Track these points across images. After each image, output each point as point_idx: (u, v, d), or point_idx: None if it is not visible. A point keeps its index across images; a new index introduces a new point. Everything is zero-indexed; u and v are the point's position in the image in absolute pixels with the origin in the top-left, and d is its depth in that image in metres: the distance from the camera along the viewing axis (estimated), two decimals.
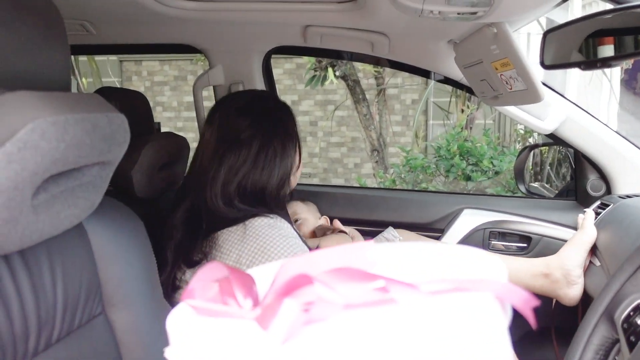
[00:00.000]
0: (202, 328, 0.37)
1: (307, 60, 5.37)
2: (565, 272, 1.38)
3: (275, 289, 0.37)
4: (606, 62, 0.84)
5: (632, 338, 0.58)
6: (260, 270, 0.50)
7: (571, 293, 1.38)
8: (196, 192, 1.13)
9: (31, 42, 0.57)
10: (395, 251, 0.54)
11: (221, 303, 0.41)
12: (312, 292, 0.36)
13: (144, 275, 0.81)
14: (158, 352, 0.82)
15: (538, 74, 1.09)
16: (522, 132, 5.10)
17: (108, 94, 1.25)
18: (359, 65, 5.30)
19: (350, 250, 0.44)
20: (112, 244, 0.76)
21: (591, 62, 0.87)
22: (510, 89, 1.16)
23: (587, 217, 1.44)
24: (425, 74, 1.70)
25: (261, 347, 0.33)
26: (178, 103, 7.29)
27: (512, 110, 1.56)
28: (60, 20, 0.62)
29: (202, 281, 0.43)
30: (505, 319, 0.40)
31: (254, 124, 1.14)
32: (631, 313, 0.59)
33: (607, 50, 0.84)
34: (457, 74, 1.54)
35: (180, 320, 0.41)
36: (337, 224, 1.50)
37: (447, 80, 1.64)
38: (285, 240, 1.03)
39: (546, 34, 1.02)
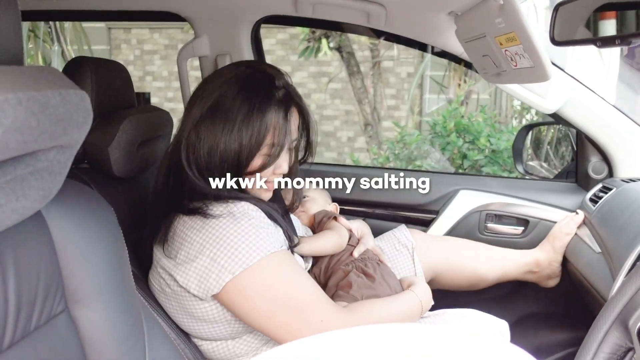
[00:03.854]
0: None
1: (301, 31, 5.24)
2: (552, 270, 1.50)
3: None
4: (625, 39, 0.75)
5: None
6: None
7: (552, 283, 1.53)
8: (176, 164, 1.06)
9: None
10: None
11: None
12: None
13: (113, 266, 0.74)
14: (129, 350, 0.75)
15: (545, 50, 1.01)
16: (518, 108, 5.02)
17: (82, 64, 1.15)
18: (353, 36, 5.17)
19: None
20: (75, 233, 0.68)
21: (609, 38, 0.79)
22: (515, 65, 1.08)
23: (576, 219, 1.48)
24: (422, 47, 1.62)
25: None
26: (168, 72, 7.14)
27: (513, 87, 1.49)
28: None
29: None
30: None
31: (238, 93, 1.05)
32: None
33: (627, 25, 0.76)
34: (457, 48, 1.46)
35: None
36: (342, 220, 1.37)
37: (445, 54, 1.56)
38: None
39: (558, 7, 0.93)
